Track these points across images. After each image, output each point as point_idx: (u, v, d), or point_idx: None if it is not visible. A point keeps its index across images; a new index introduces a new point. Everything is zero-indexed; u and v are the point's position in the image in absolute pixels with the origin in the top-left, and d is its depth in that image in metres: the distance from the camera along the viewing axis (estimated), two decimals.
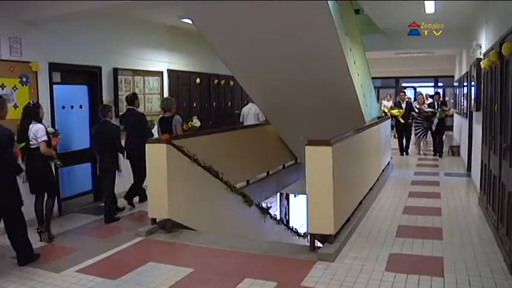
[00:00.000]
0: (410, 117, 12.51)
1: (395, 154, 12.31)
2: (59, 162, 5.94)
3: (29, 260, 4.80)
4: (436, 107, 12.31)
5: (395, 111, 12.49)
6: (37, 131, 5.50)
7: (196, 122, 8.53)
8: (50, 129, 6.08)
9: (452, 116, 12.86)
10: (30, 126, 5.52)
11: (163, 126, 7.30)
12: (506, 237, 4.57)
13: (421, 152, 12.90)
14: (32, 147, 5.51)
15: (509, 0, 4.93)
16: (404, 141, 12.91)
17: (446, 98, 16.86)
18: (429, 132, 12.60)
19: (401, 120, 12.48)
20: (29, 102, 5.80)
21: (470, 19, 9.06)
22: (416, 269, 4.43)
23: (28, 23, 6.34)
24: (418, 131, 12.67)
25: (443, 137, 12.88)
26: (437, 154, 12.41)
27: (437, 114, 12.06)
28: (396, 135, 13.45)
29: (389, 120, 11.83)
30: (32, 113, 5.61)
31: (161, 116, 7.53)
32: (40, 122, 5.62)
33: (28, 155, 5.59)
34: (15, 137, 5.02)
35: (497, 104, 5.33)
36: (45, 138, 5.53)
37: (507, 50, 4.54)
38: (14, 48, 6.21)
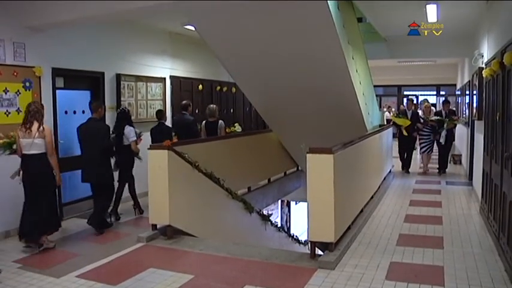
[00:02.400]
0: (415, 129, 10.89)
1: (397, 164, 11.47)
2: (141, 157, 6.98)
3: (101, 226, 6.28)
4: (444, 115, 10.73)
5: (401, 121, 10.94)
6: (129, 133, 6.81)
7: (238, 128, 10.13)
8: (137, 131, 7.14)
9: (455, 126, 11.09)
10: (125, 128, 6.85)
11: (209, 130, 8.29)
12: (508, 246, 4.55)
13: (426, 169, 11.13)
14: (124, 144, 6.86)
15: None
16: (405, 155, 11.31)
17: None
18: (435, 145, 11.11)
19: (405, 133, 10.92)
20: (122, 109, 7.17)
21: (473, 28, 9.08)
22: (417, 278, 4.41)
23: (32, 29, 6.39)
24: (424, 144, 10.96)
25: (449, 153, 11.47)
26: (440, 171, 10.94)
27: (445, 125, 10.53)
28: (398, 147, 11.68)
29: (391, 128, 11.32)
30: (125, 117, 6.95)
31: (206, 120, 8.39)
32: (131, 125, 6.95)
33: (119, 150, 6.83)
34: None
35: (499, 113, 5.33)
36: (135, 138, 6.87)
37: (509, 59, 4.55)
38: (17, 53, 6.24)
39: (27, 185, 5.41)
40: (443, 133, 10.56)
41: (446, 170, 11.06)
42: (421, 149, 11.16)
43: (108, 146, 6.35)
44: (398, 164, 11.50)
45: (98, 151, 6.24)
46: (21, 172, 5.47)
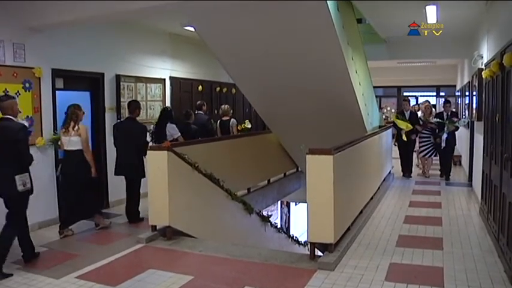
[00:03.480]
0: (415, 131, 10.27)
1: (397, 165, 11.01)
2: None
3: (135, 218, 6.87)
4: (445, 117, 10.01)
5: (403, 124, 10.21)
6: (172, 129, 7.42)
7: (248, 124, 10.60)
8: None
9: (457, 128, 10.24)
10: (167, 125, 7.41)
11: (223, 128, 9.16)
12: (507, 247, 4.56)
13: (427, 175, 10.55)
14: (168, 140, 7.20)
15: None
16: (406, 159, 10.68)
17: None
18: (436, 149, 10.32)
19: (404, 138, 10.25)
20: (165, 108, 8.04)
21: (472, 29, 9.09)
22: (417, 279, 4.41)
23: (32, 29, 6.38)
24: (424, 148, 10.34)
25: (451, 158, 10.62)
26: (444, 176, 10.24)
27: (446, 128, 9.85)
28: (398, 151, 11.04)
29: (391, 129, 10.87)
30: (168, 115, 7.55)
31: (220, 119, 9.25)
32: (173, 122, 7.50)
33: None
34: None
35: (499, 114, 5.34)
36: (179, 134, 7.42)
37: (508, 60, 4.56)
38: (17, 54, 6.24)
39: (66, 177, 6.31)
40: (444, 136, 9.96)
41: (450, 176, 10.23)
42: (420, 152, 10.55)
43: (143, 144, 6.66)
44: (398, 165, 11.03)
45: (132, 148, 6.72)
46: (60, 165, 6.44)
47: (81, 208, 6.24)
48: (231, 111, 9.46)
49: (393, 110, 16.71)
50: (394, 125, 10.66)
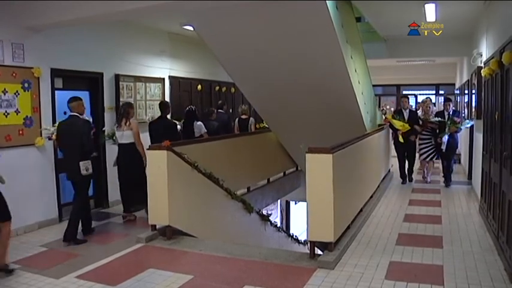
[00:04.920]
0: (414, 132, 9.51)
1: (396, 165, 10.34)
2: None
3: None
4: (446, 117, 9.18)
5: (399, 124, 9.43)
6: (199, 126, 8.20)
7: (266, 124, 10.58)
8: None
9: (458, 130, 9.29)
10: (194, 123, 8.21)
11: (242, 126, 9.87)
12: (507, 245, 4.56)
13: (428, 179, 9.85)
14: (196, 136, 8.11)
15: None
16: (406, 164, 9.89)
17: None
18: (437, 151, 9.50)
19: (401, 139, 9.49)
20: (190, 108, 8.60)
21: (471, 28, 9.09)
22: (416, 277, 4.42)
23: (31, 29, 6.37)
24: (425, 150, 9.55)
25: (452, 161, 9.71)
26: (445, 183, 9.38)
27: (447, 129, 9.01)
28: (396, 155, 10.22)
29: (385, 130, 9.98)
30: (193, 115, 8.39)
31: (239, 117, 10.01)
32: (198, 120, 8.35)
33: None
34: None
35: (498, 112, 5.34)
36: (205, 130, 8.23)
37: (507, 58, 4.56)
38: (16, 53, 6.23)
39: (120, 167, 6.95)
40: (445, 138, 9.03)
41: (451, 183, 9.35)
42: (420, 155, 9.72)
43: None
44: (397, 166, 10.25)
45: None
46: (115, 157, 7.04)
47: (138, 195, 6.58)
48: (249, 110, 10.27)
49: (392, 109, 16.50)
50: (390, 125, 9.85)
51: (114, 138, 7.20)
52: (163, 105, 7.83)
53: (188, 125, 8.28)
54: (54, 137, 6.33)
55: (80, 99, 6.17)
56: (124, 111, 6.92)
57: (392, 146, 10.45)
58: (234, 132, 9.78)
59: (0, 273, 4.67)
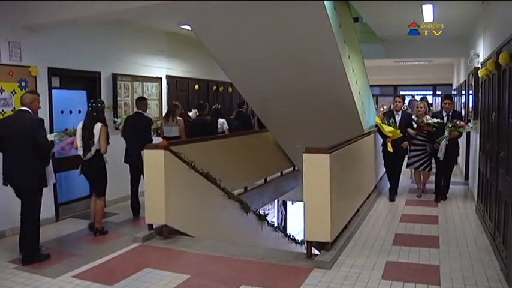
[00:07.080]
0: (406, 137, 7.80)
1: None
2: None
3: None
4: (445, 119, 7.61)
5: (388, 129, 7.69)
6: (223, 123, 9.18)
7: None
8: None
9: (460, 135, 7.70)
10: (218, 120, 9.11)
11: (260, 122, 10.00)
12: (503, 245, 4.57)
13: (418, 193, 8.21)
14: (219, 132, 8.99)
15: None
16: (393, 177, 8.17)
17: None
18: (433, 159, 7.88)
19: (390, 149, 7.70)
20: (216, 106, 9.64)
21: (469, 28, 9.10)
22: (413, 277, 4.43)
23: (28, 28, 6.35)
24: (416, 159, 7.97)
25: (451, 174, 7.96)
26: (440, 197, 7.78)
27: (446, 133, 7.39)
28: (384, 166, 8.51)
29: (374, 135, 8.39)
30: (218, 113, 9.34)
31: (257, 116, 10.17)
32: (222, 117, 9.37)
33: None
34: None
35: (495, 113, 5.36)
36: (227, 127, 9.22)
37: (504, 59, 4.58)
38: (13, 52, 6.21)
39: None
40: (443, 144, 7.39)
41: (447, 195, 7.94)
42: (408, 164, 8.19)
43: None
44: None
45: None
46: None
47: None
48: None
49: (385, 107, 15.28)
50: (378, 130, 8.15)
51: (158, 131, 8.25)
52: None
53: (215, 121, 9.08)
54: (121, 127, 7.53)
55: (145, 98, 7.63)
56: (171, 109, 8.20)
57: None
58: (255, 129, 10.54)
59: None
